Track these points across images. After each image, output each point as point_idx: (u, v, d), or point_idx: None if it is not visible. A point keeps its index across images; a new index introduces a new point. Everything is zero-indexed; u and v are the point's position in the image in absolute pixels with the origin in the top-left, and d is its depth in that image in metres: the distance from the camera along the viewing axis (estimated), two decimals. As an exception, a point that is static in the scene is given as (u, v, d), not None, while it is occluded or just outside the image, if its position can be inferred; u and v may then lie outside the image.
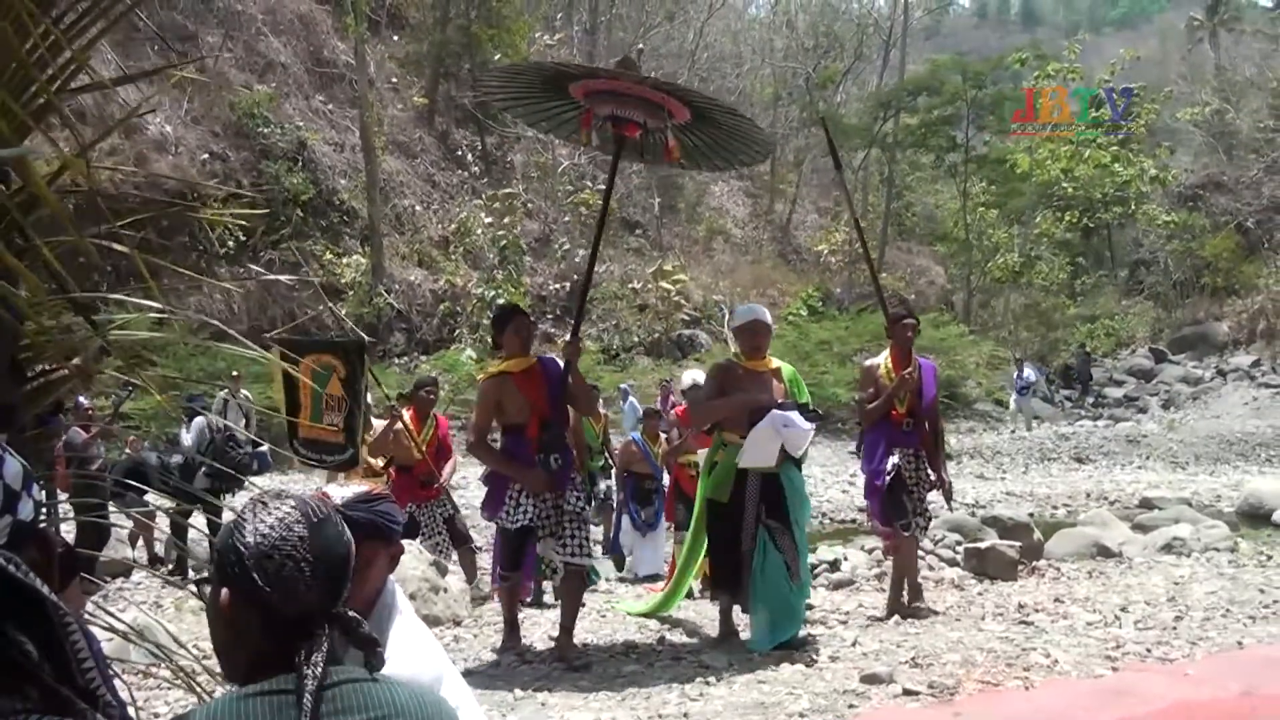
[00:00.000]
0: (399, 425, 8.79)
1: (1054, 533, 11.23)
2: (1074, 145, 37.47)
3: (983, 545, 9.24)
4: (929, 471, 7.60)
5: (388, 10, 34.39)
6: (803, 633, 6.63)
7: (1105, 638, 6.19)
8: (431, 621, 7.29)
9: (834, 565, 9.45)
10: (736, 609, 6.79)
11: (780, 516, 6.53)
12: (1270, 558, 9.40)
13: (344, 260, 26.56)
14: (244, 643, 1.59)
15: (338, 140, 29.61)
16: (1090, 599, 7.47)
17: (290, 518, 1.60)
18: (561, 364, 6.56)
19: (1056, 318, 38.51)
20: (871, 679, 5.28)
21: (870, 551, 10.07)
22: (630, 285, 29.93)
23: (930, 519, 8.01)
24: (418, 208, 30.46)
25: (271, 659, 1.54)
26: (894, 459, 7.43)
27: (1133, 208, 39.79)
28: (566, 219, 31.97)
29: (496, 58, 32.90)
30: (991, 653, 5.83)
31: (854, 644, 6.34)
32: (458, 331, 26.42)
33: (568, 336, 7.07)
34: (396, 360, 26.00)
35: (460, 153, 33.61)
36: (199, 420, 10.81)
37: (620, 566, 10.85)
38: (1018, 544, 9.42)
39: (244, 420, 15.88)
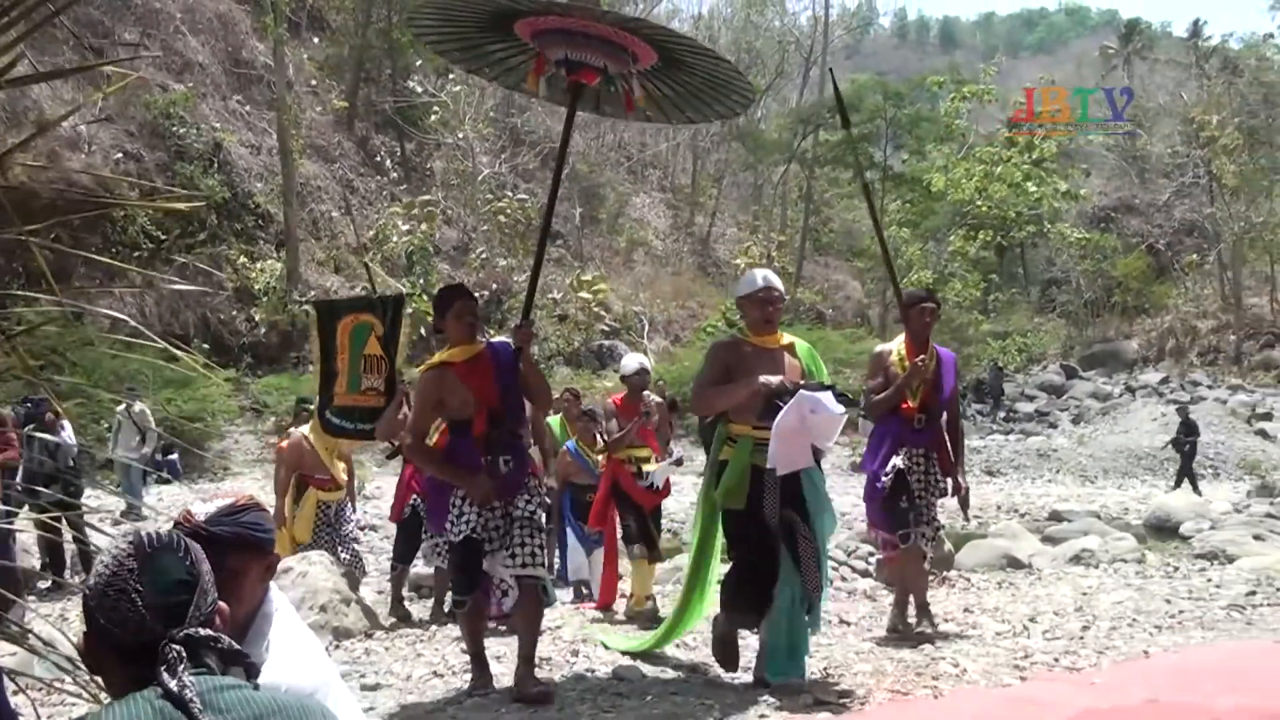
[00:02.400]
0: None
1: (964, 544, 11.40)
2: (987, 165, 38.18)
3: (895, 556, 9.30)
4: (940, 475, 6.71)
5: (308, 12, 34.02)
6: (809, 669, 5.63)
7: (1014, 647, 6.27)
8: (343, 634, 7.18)
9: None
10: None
11: (805, 522, 5.48)
12: (1176, 569, 9.63)
13: (258, 265, 26.18)
14: (111, 676, 1.67)
15: (254, 143, 29.20)
16: (999, 609, 7.57)
17: (123, 553, 1.67)
18: (514, 346, 5.67)
19: (970, 333, 39.15)
20: (783, 689, 5.31)
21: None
22: (550, 295, 29.86)
23: (939, 529, 6.94)
24: (335, 213, 30.13)
25: (143, 685, 1.59)
26: (897, 460, 6.59)
27: (1045, 227, 40.63)
28: (485, 227, 31.84)
29: (418, 63, 32.71)
30: (901, 662, 5.88)
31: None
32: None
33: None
34: (310, 367, 25.66)
35: (379, 158, 33.33)
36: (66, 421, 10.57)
37: (579, 594, 9.12)
38: (928, 555, 9.50)
39: (139, 437, 14.70)
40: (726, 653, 5.70)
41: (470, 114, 32.72)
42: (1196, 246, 42.44)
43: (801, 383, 5.41)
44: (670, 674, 5.92)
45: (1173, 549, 12.07)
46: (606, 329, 31.23)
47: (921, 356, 6.59)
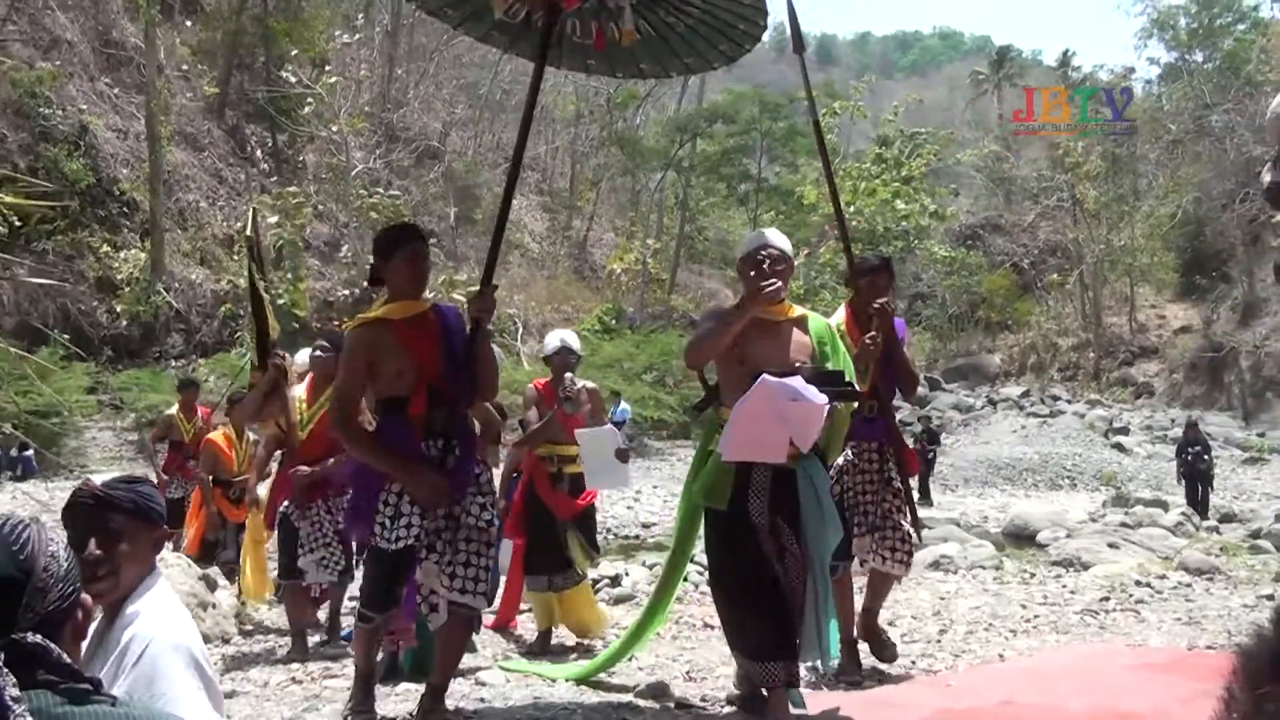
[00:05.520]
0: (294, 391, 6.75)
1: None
2: (856, 180, 38.89)
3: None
4: (896, 474, 5.64)
5: (182, -6, 33.17)
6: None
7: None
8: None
9: (615, 580, 9.45)
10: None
11: (795, 535, 4.49)
12: (1033, 575, 9.87)
13: (121, 254, 25.41)
14: None
15: (122, 127, 28.37)
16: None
17: None
18: (469, 319, 4.63)
19: (837, 344, 39.81)
20: (646, 693, 5.28)
21: (652, 567, 10.10)
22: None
23: (912, 542, 5.76)
24: (203, 203, 29.41)
25: None
26: (840, 459, 5.45)
27: (912, 243, 41.52)
28: (357, 224, 31.36)
29: (293, 53, 32.08)
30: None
31: (630, 658, 6.29)
32: (239, 334, 25.54)
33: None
34: (174, 362, 25.01)
35: (250, 149, 32.63)
36: None
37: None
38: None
39: None
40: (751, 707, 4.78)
41: (346, 107, 32.20)
42: (1059, 266, 43.80)
43: (799, 364, 4.49)
44: (534, 680, 5.85)
45: (1030, 556, 12.37)
46: (480, 330, 30.99)
47: (871, 334, 5.28)
